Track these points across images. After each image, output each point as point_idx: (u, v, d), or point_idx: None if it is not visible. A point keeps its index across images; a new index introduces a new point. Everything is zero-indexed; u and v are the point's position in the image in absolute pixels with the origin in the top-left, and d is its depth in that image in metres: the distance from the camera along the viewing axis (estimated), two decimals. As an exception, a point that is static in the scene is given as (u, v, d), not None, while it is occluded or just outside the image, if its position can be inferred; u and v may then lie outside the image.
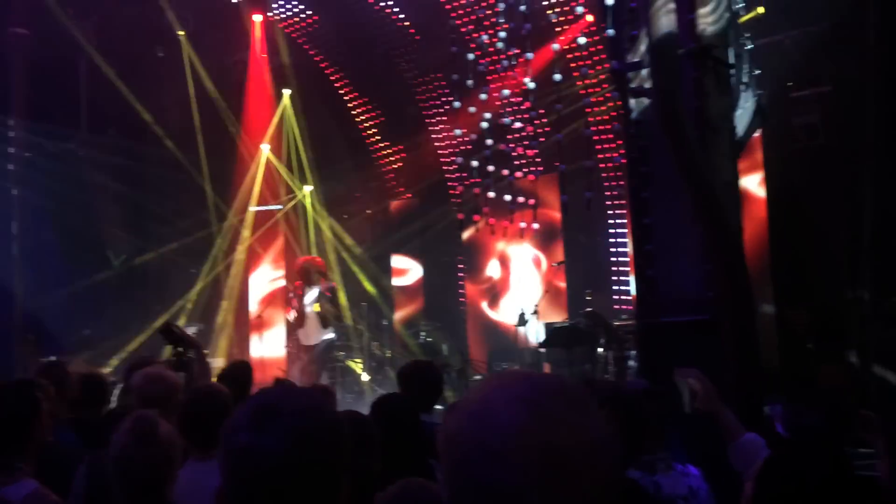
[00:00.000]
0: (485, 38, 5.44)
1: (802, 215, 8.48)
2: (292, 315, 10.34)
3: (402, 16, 12.54)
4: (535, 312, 9.95)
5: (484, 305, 13.09)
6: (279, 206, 13.23)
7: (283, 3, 13.07)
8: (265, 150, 13.03)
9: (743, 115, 5.31)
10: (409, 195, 13.56)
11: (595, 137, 6.05)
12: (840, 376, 6.45)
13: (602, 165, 5.45)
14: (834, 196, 7.98)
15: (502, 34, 5.46)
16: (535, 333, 10.24)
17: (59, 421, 4.11)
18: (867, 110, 6.88)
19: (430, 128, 13.02)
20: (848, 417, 5.08)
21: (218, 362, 11.45)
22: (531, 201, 5.30)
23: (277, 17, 13.27)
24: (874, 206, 6.07)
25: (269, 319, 12.56)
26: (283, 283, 12.95)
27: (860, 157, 7.09)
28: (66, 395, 4.37)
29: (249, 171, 13.05)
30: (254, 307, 12.98)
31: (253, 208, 13.13)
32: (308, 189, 13.12)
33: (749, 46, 5.53)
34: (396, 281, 13.72)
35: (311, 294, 10.34)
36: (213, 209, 13.00)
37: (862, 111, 6.98)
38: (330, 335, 10.56)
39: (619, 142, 5.07)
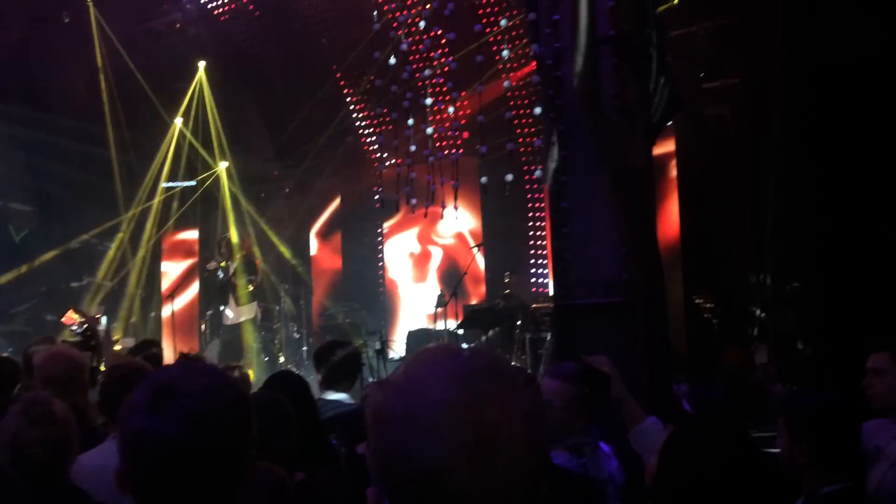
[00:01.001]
0: (407, 17, 5.41)
1: (711, 202, 8.80)
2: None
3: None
4: (454, 294, 10.02)
5: (403, 287, 13.10)
6: (192, 183, 12.84)
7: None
8: (178, 123, 12.60)
9: (659, 102, 5.45)
10: (329, 174, 13.37)
11: (515, 122, 6.08)
12: (743, 357, 6.74)
13: (522, 150, 5.51)
14: (741, 184, 8.32)
15: (424, 12, 5.43)
16: (453, 315, 10.32)
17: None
18: (772, 102, 7.17)
19: (351, 106, 12.86)
20: (751, 396, 5.33)
21: (128, 342, 11.10)
22: (452, 182, 5.30)
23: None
24: (776, 195, 6.35)
25: (179, 296, 12.21)
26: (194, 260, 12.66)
27: (765, 148, 7.40)
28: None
29: (162, 145, 12.60)
30: (166, 284, 12.63)
31: (165, 184, 12.70)
32: (224, 165, 12.77)
33: (664, 36, 5.66)
34: (315, 261, 13.57)
35: (230, 270, 10.18)
36: (121, 184, 12.49)
37: (768, 103, 7.28)
38: (251, 314, 10.41)
39: (540, 125, 5.11)
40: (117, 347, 7.99)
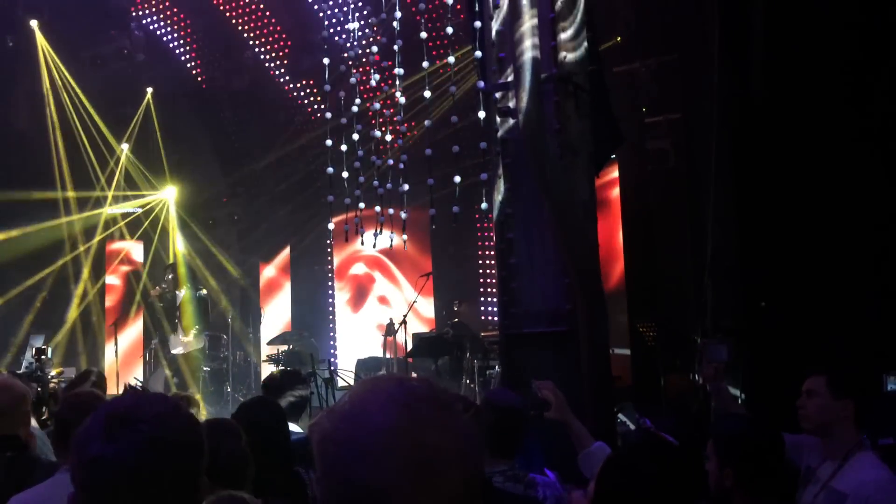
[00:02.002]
0: (358, 50, 5.51)
1: (654, 233, 9.03)
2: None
3: (274, 20, 12.37)
4: (404, 322, 10.05)
5: (353, 316, 13.07)
6: (138, 209, 12.66)
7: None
8: (124, 148, 12.45)
9: (601, 137, 5.62)
10: (278, 201, 13.34)
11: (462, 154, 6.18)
12: (684, 385, 6.91)
13: (468, 183, 5.64)
14: (681, 217, 8.55)
15: (374, 48, 5.54)
16: (403, 343, 10.34)
17: None
18: (711, 137, 7.42)
19: (302, 134, 12.87)
20: (695, 421, 5.47)
21: (70, 372, 10.80)
22: (402, 213, 5.38)
23: (143, 13, 12.74)
24: (714, 226, 6.57)
25: (124, 326, 11.94)
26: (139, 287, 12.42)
27: (705, 181, 7.64)
28: None
29: (107, 169, 12.42)
30: (110, 301, 12.36)
31: (110, 209, 12.50)
32: (171, 191, 12.64)
33: (605, 73, 5.86)
34: (264, 289, 13.45)
35: (177, 299, 10.03)
36: (63, 208, 12.22)
37: (707, 138, 7.53)
38: (199, 344, 10.23)
39: (486, 158, 5.23)
40: (56, 372, 7.79)
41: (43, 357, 8.04)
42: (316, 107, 12.06)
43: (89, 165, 12.31)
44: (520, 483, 2.82)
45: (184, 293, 10.52)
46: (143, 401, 1.39)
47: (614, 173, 9.09)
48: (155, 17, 12.73)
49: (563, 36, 5.05)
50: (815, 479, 2.95)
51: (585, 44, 5.08)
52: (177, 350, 10.60)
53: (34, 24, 11.50)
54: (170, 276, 10.95)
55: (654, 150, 9.00)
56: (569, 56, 5.08)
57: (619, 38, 8.57)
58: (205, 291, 11.08)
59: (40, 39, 11.58)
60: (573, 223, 4.97)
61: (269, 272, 13.52)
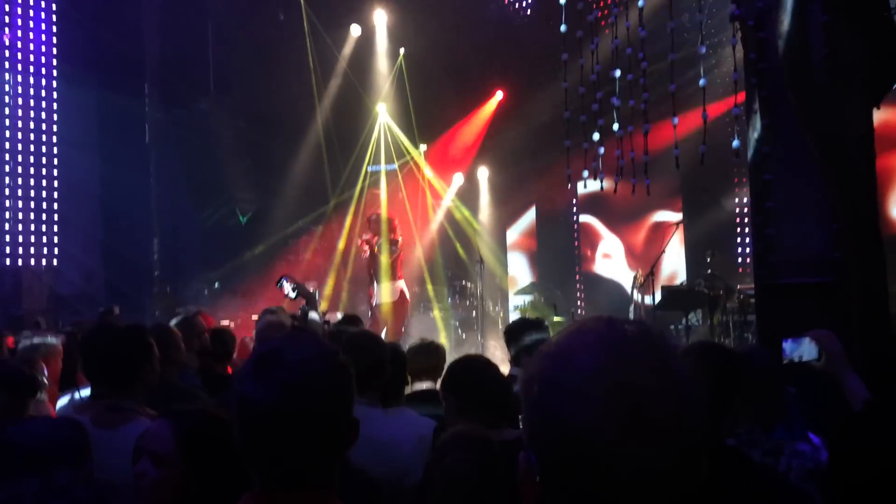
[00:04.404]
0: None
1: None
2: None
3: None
4: (651, 274, 9.67)
5: (598, 267, 12.89)
6: (393, 166, 13.41)
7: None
8: (381, 109, 13.21)
9: (883, 61, 4.87)
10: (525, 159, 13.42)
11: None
12: None
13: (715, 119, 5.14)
14: None
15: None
16: (650, 295, 9.98)
17: (187, 368, 4.37)
18: None
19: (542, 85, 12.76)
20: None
21: (336, 316, 11.85)
22: (644, 157, 5.10)
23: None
24: None
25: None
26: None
27: None
28: (196, 346, 4.63)
29: (365, 130, 13.29)
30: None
31: (369, 167, 13.39)
32: (422, 149, 13.23)
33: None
34: (511, 241, 13.72)
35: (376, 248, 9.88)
36: (328, 170, 13.33)
37: None
38: (393, 296, 10.02)
39: (737, 94, 4.77)
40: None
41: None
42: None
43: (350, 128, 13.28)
44: (757, 448, 2.53)
45: (381, 243, 10.28)
46: (291, 344, 1.45)
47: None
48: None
49: (833, -57, 4.40)
50: None
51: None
52: (374, 300, 10.35)
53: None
54: (372, 226, 10.68)
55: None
56: (840, -34, 4.42)
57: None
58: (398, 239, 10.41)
59: (306, 11, 12.58)
60: (844, 162, 4.37)
61: (515, 228, 13.73)
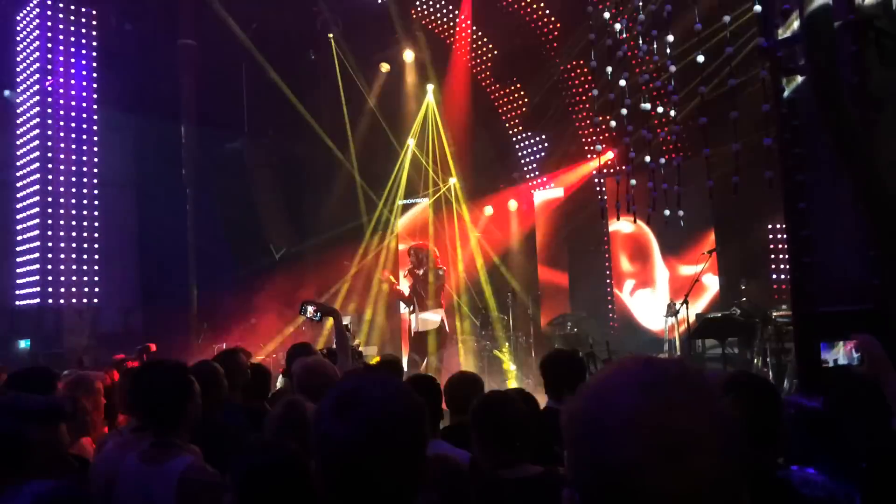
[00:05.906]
0: (623, 23, 5.30)
1: None
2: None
3: (542, 3, 12.48)
4: (685, 302, 9.59)
5: (630, 297, 12.81)
6: (425, 199, 13.53)
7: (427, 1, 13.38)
8: (411, 143, 13.38)
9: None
10: (550, 184, 13.47)
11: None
12: None
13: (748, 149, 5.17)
14: None
15: (641, 17, 5.30)
16: (685, 324, 9.89)
17: (230, 405, 4.42)
18: None
19: (574, 116, 12.87)
20: None
21: (371, 350, 11.91)
22: (675, 188, 5.12)
23: (421, 14, 13.58)
24: None
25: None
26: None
27: None
28: (237, 381, 4.67)
29: (396, 164, 13.46)
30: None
31: (401, 201, 13.53)
32: (452, 181, 13.35)
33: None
34: (542, 270, 13.71)
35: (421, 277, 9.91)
36: (363, 203, 13.52)
37: None
38: (434, 324, 10.01)
39: (768, 124, 4.78)
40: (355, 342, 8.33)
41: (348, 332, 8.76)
42: (585, 87, 11.95)
43: (378, 163, 13.48)
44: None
45: (424, 272, 10.23)
46: (370, 383, 1.49)
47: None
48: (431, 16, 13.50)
49: (861, -25, 4.44)
50: None
51: (889, -20, 4.42)
52: (415, 329, 10.29)
53: (331, 36, 12.81)
54: (413, 258, 10.71)
55: None
56: (868, -2, 4.45)
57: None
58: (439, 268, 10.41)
59: (335, 50, 12.86)
60: (878, 188, 4.36)
61: (546, 259, 13.74)
